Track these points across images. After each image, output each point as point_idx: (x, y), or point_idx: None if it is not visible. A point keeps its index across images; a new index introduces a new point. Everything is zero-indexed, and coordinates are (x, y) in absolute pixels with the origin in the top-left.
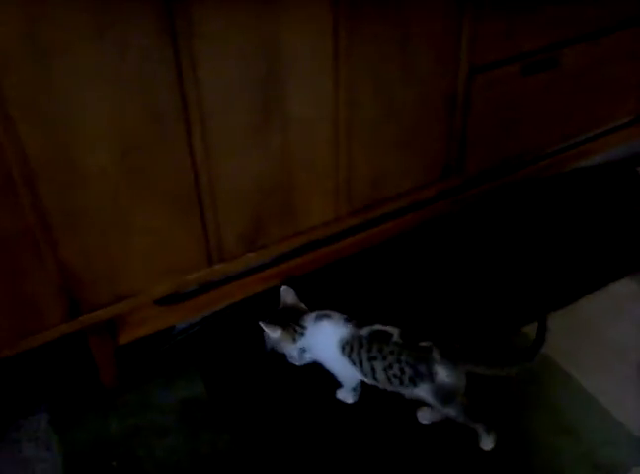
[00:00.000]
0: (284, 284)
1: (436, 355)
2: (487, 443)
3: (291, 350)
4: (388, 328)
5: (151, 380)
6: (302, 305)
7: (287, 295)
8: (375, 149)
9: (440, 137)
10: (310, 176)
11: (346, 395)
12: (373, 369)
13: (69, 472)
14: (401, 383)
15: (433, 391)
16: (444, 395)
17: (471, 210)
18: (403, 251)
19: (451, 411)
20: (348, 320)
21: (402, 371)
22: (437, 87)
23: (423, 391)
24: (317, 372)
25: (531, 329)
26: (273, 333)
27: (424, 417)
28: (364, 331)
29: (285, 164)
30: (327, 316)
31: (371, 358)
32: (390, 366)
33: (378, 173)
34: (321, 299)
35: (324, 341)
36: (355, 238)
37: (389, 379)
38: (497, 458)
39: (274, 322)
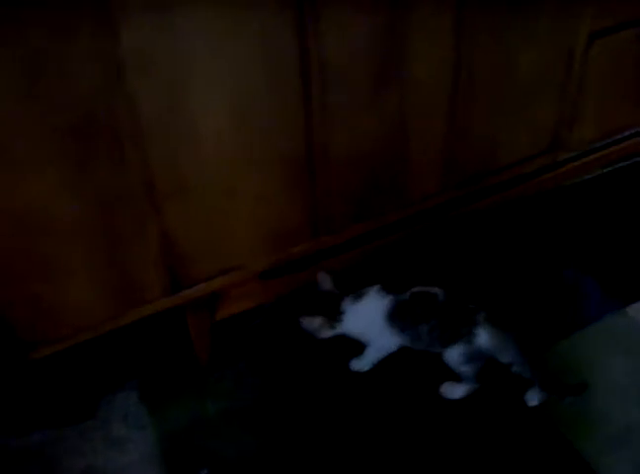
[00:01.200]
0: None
1: (480, 317)
2: (457, 392)
3: (328, 335)
4: (430, 289)
5: (244, 358)
6: (337, 291)
7: (324, 281)
8: (488, 118)
9: (553, 106)
10: (423, 144)
11: (363, 365)
12: (419, 333)
13: (164, 452)
14: (440, 343)
15: (465, 353)
16: (473, 358)
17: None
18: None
19: (465, 369)
20: (383, 289)
21: (444, 331)
22: (555, 52)
23: (455, 351)
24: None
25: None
26: (311, 325)
27: (451, 392)
28: (406, 295)
29: (399, 130)
30: (363, 294)
31: (417, 322)
32: (434, 328)
33: (489, 143)
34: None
35: (368, 317)
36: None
37: (432, 341)
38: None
39: (311, 313)
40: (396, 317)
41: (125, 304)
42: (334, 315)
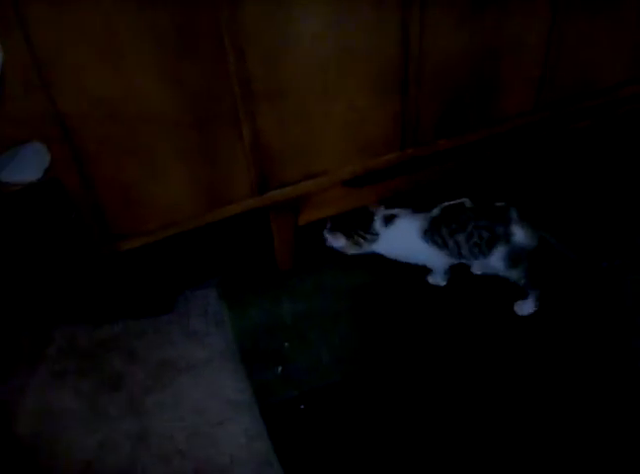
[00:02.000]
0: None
1: (513, 214)
2: (526, 308)
3: (359, 252)
4: (457, 200)
5: (323, 265)
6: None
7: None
8: (590, 34)
9: None
10: (517, 60)
11: (438, 280)
12: (458, 244)
13: (241, 349)
14: (480, 251)
15: (506, 252)
16: (516, 257)
17: None
18: None
19: (515, 273)
20: (415, 211)
21: (480, 237)
22: None
23: (497, 255)
24: None
25: None
26: (336, 242)
27: (522, 309)
28: (435, 211)
29: (495, 45)
30: (396, 216)
31: (453, 232)
32: (471, 235)
33: (586, 62)
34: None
35: (404, 237)
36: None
37: (471, 250)
38: None
39: (339, 229)
40: (433, 233)
41: (214, 202)
42: (363, 235)
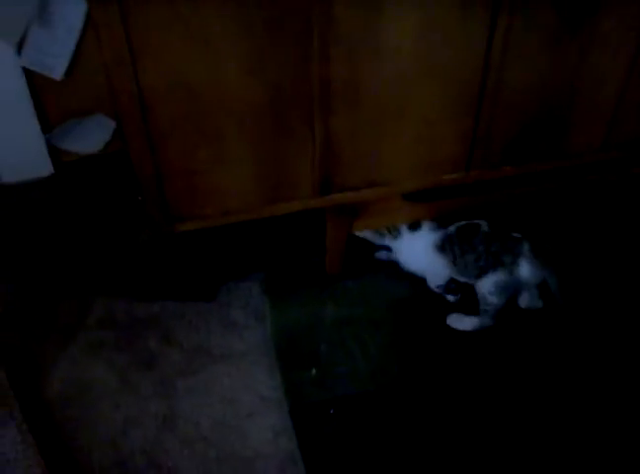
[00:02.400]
0: None
1: (525, 247)
2: (467, 324)
3: (377, 242)
4: (474, 221)
5: (368, 274)
6: None
7: None
8: None
9: None
10: (593, 96)
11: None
12: (466, 264)
13: (279, 346)
14: (480, 273)
15: (501, 282)
16: (506, 288)
17: None
18: None
19: (494, 301)
20: (437, 226)
21: (487, 260)
22: None
23: (492, 279)
24: None
25: None
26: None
27: (462, 323)
28: (452, 228)
29: (574, 80)
30: (419, 226)
31: (464, 252)
32: (480, 257)
33: None
34: None
35: (420, 245)
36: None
37: (475, 269)
38: None
39: None
40: (445, 248)
41: (275, 196)
42: (388, 229)
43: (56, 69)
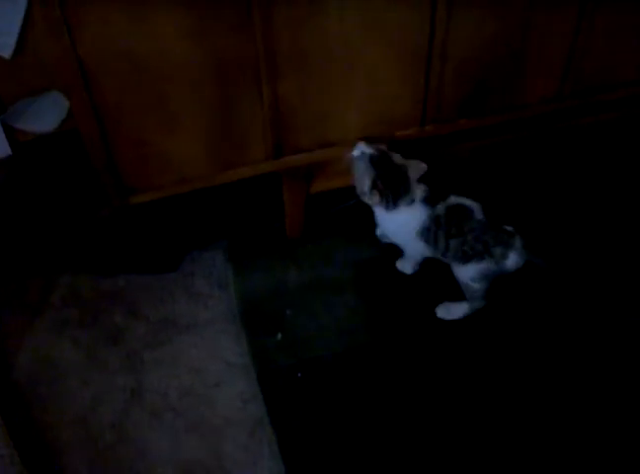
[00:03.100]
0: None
1: (517, 243)
2: (455, 312)
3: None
4: (466, 202)
5: (330, 237)
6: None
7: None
8: (616, 29)
9: None
10: (544, 48)
11: (406, 266)
12: (447, 246)
13: (244, 313)
14: (465, 258)
15: (488, 271)
16: (489, 276)
17: None
18: None
19: (476, 287)
20: (426, 201)
21: (473, 248)
22: None
23: (475, 268)
24: None
25: None
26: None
27: (450, 312)
28: (440, 209)
29: (523, 30)
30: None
31: (449, 236)
32: (465, 242)
33: (611, 56)
34: None
35: (404, 226)
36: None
37: (457, 253)
38: None
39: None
40: (430, 232)
41: (228, 162)
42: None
43: (4, 48)
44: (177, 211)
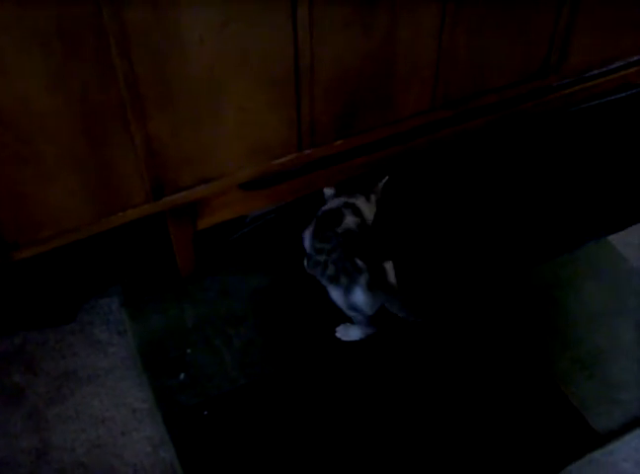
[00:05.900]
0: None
1: (363, 281)
2: (352, 334)
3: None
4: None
5: (225, 269)
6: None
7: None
8: (479, 38)
9: (545, 29)
10: (411, 62)
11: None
12: (315, 262)
13: (144, 357)
14: (328, 279)
15: (339, 298)
16: (353, 308)
17: None
18: None
19: (355, 317)
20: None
21: (325, 269)
22: None
23: (334, 293)
24: None
25: None
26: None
27: (347, 334)
28: (319, 212)
29: (388, 48)
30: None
31: (316, 248)
32: (327, 264)
33: (478, 64)
34: None
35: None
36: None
37: (320, 272)
38: None
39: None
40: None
41: (109, 208)
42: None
43: None
44: (69, 260)
